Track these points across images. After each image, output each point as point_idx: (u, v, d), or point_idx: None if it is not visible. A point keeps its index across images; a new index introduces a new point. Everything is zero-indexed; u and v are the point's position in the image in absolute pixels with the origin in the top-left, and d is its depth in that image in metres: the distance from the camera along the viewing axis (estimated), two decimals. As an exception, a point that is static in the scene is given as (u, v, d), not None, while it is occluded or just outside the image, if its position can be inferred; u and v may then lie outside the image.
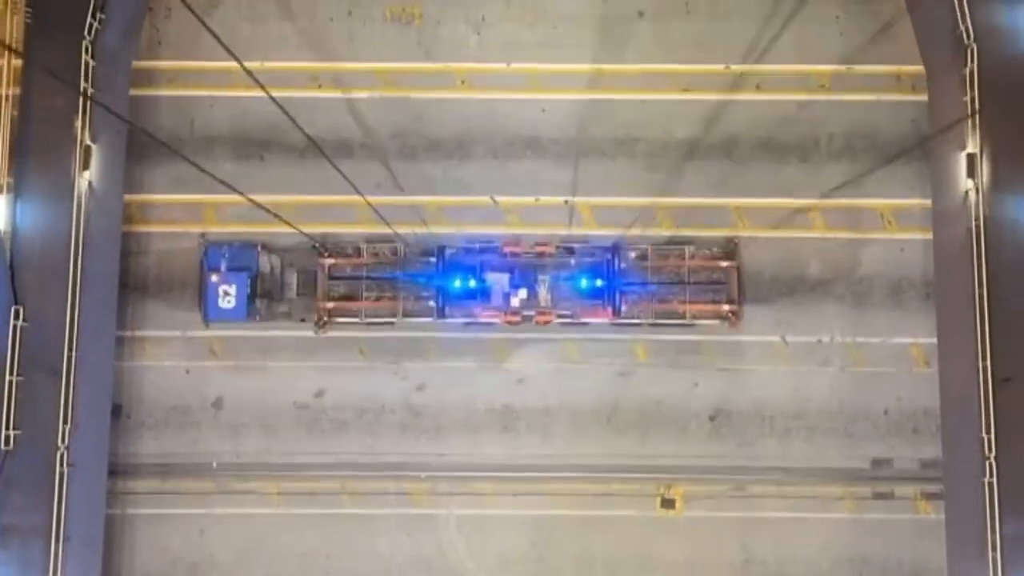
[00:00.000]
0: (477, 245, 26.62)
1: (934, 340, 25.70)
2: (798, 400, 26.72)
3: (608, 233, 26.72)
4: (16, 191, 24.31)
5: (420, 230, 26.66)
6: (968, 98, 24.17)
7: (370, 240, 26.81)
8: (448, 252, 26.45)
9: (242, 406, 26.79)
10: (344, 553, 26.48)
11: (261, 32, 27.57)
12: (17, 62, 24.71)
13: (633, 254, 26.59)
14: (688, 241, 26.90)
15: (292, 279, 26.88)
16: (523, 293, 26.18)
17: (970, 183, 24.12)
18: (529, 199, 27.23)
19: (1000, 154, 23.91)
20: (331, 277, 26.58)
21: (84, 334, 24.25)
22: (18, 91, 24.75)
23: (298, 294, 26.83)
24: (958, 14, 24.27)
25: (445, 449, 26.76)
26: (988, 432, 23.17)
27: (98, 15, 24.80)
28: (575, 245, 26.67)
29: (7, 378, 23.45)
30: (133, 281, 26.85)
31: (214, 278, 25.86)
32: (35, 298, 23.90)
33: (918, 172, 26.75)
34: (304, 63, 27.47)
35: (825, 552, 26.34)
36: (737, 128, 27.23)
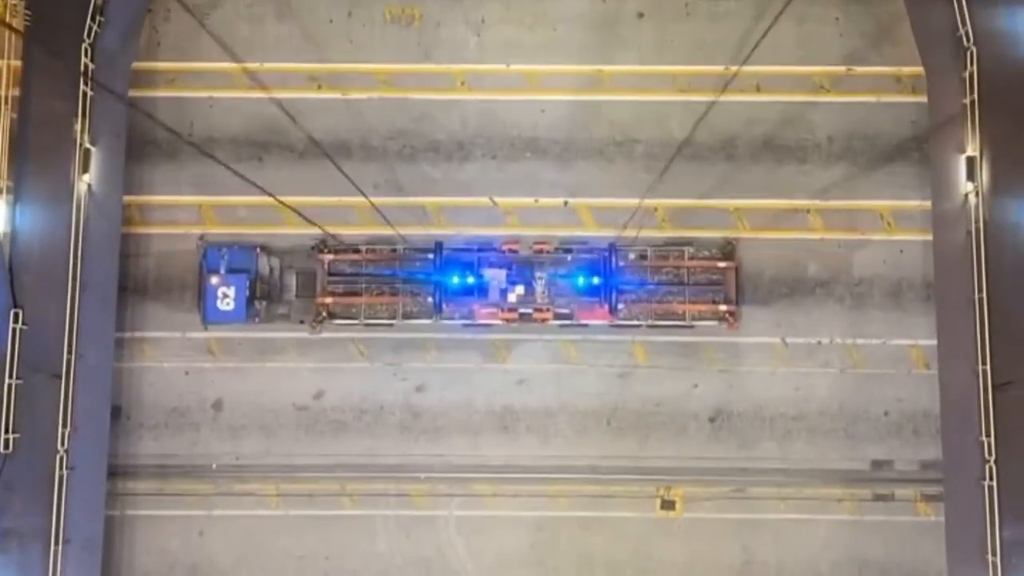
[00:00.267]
0: (475, 245, 26.65)
1: (934, 342, 25.68)
2: (798, 401, 26.70)
3: (607, 234, 26.67)
4: (16, 194, 24.30)
5: (419, 231, 26.65)
6: (968, 101, 24.14)
7: (370, 241, 26.80)
8: (446, 248, 26.44)
9: (241, 407, 26.80)
10: (343, 554, 26.49)
11: (260, 33, 27.51)
12: (16, 64, 24.70)
13: (632, 254, 26.59)
14: (687, 242, 26.89)
15: (291, 281, 26.94)
16: (520, 289, 26.24)
17: (970, 186, 24.09)
18: (528, 200, 27.21)
19: (1000, 157, 23.83)
20: (330, 273, 26.60)
21: (83, 336, 24.29)
22: (17, 93, 24.72)
23: (297, 296, 26.87)
24: (958, 17, 24.22)
25: (445, 450, 26.76)
26: (988, 435, 23.13)
27: (98, 18, 24.84)
28: (574, 246, 26.66)
29: (6, 381, 23.41)
30: (132, 283, 26.86)
31: (213, 280, 25.87)
32: (34, 301, 23.91)
33: (918, 173, 26.73)
34: (303, 64, 27.41)
35: (825, 553, 26.34)
36: (736, 129, 27.19)
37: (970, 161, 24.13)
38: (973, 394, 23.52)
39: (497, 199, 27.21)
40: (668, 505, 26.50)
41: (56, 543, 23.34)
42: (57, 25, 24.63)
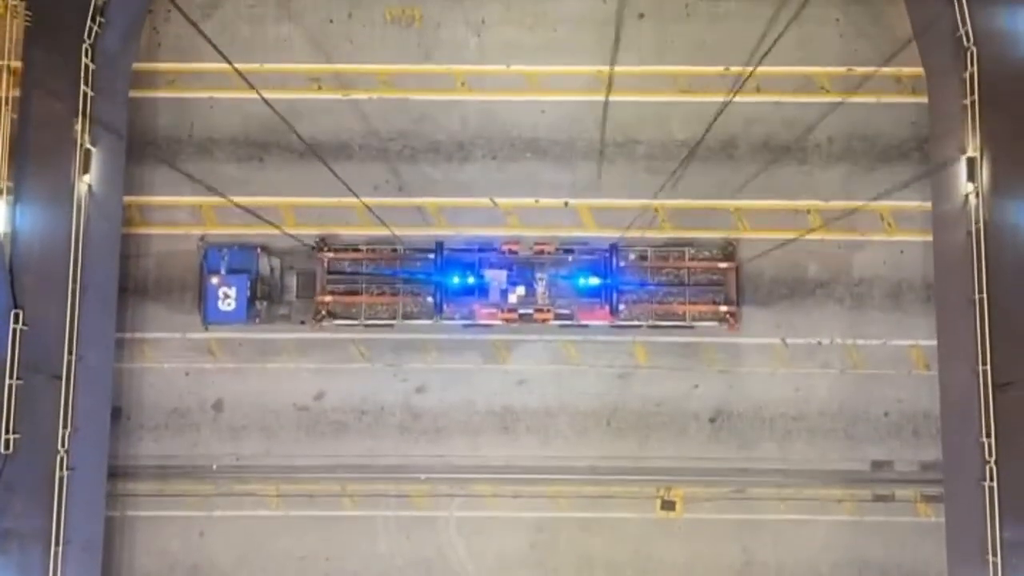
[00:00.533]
0: (476, 246, 26.67)
1: (934, 343, 25.71)
2: (798, 402, 26.73)
3: (608, 235, 26.67)
4: (16, 194, 24.29)
5: (420, 231, 26.66)
6: (968, 101, 24.16)
7: (370, 241, 26.81)
8: (446, 249, 26.45)
9: (242, 408, 26.81)
10: (344, 555, 26.50)
11: (260, 34, 27.53)
12: (17, 65, 24.70)
13: (632, 255, 26.60)
14: (688, 243, 26.89)
15: (292, 281, 26.96)
16: (521, 290, 26.27)
17: (970, 187, 24.12)
18: (529, 200, 27.22)
19: (1000, 157, 23.87)
20: (330, 272, 26.59)
21: (84, 337, 24.28)
22: (18, 94, 24.72)
23: (298, 296, 26.90)
24: (958, 17, 24.26)
25: (445, 451, 26.77)
26: (988, 436, 23.17)
27: (98, 19, 24.83)
28: (575, 247, 26.67)
29: (7, 382, 23.41)
30: (133, 284, 26.87)
31: (214, 280, 25.87)
32: (35, 301, 23.90)
33: (918, 174, 26.72)
34: (304, 64, 27.42)
35: (825, 554, 26.36)
36: (737, 130, 27.20)
37: (970, 162, 24.16)
38: (973, 395, 23.55)
39: (497, 200, 27.21)
40: (668, 506, 26.51)
41: (56, 544, 23.32)
42: (57, 25, 24.62)
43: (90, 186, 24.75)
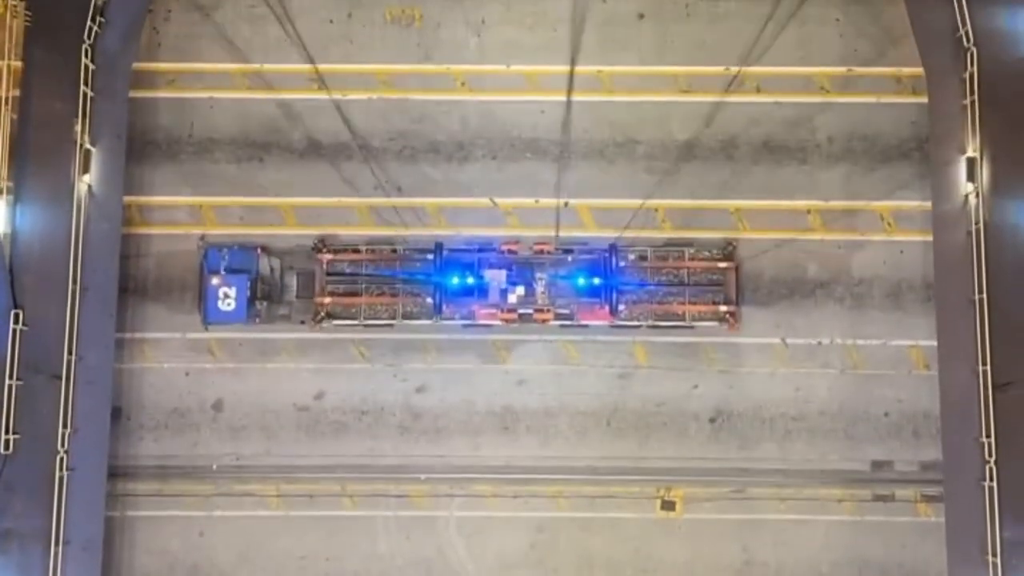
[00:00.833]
0: (476, 246, 26.66)
1: (934, 343, 25.65)
2: (798, 402, 26.71)
3: (608, 235, 26.68)
4: (16, 194, 24.32)
5: (420, 232, 26.66)
6: (968, 102, 24.18)
7: (370, 241, 26.79)
8: (446, 249, 26.45)
9: (242, 408, 26.79)
10: (344, 555, 26.48)
11: (261, 34, 27.49)
12: (17, 65, 24.70)
13: (632, 255, 26.58)
14: (688, 243, 26.88)
15: (292, 281, 26.93)
16: (520, 290, 26.25)
17: (970, 187, 24.14)
18: (529, 200, 27.21)
19: (1000, 157, 23.89)
20: (329, 273, 26.57)
21: (84, 337, 24.31)
22: (18, 94, 24.73)
23: (298, 296, 26.87)
24: (958, 17, 24.29)
25: (445, 451, 26.76)
26: (988, 436, 23.20)
27: (98, 18, 24.87)
28: (575, 247, 26.66)
29: (6, 382, 23.45)
30: (133, 284, 26.82)
31: (214, 280, 25.83)
32: (35, 301, 23.94)
33: (918, 174, 26.75)
34: (304, 64, 27.39)
35: (825, 554, 26.34)
36: (737, 130, 27.20)
37: (970, 162, 24.18)
38: (973, 395, 23.58)
39: (497, 200, 27.21)
40: (668, 506, 26.51)
41: (56, 544, 23.37)
42: (57, 25, 24.65)
43: (90, 186, 24.78)
